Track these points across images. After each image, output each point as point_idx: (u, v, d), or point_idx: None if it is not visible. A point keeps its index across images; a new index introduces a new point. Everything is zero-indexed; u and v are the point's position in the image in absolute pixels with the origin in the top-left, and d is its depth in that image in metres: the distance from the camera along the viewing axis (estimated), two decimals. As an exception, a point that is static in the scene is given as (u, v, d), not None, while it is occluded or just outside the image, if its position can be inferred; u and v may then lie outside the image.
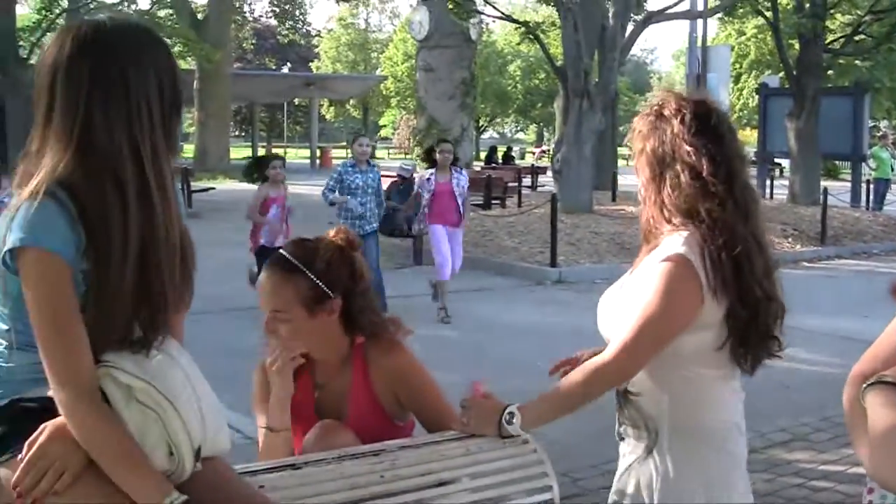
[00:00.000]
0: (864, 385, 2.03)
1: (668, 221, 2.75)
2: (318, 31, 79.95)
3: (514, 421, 2.80)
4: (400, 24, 69.11)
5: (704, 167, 2.67)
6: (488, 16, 24.64)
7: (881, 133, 29.69)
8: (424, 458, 2.78)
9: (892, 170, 25.85)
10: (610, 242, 17.12)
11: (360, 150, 12.01)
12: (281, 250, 3.23)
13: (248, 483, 2.48)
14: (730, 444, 2.85)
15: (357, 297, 3.19)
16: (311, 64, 73.66)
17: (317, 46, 76.55)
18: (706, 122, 2.74)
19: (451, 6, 22.91)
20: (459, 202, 11.91)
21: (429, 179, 11.93)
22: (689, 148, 2.70)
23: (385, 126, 75.11)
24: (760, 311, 2.71)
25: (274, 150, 70.50)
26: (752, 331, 2.72)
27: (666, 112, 2.79)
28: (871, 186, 25.94)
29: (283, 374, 3.09)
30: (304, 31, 77.98)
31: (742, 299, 2.68)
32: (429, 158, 12.26)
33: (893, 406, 1.92)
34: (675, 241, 2.69)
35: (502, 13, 25.30)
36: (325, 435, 3.02)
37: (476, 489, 2.74)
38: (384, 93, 66.41)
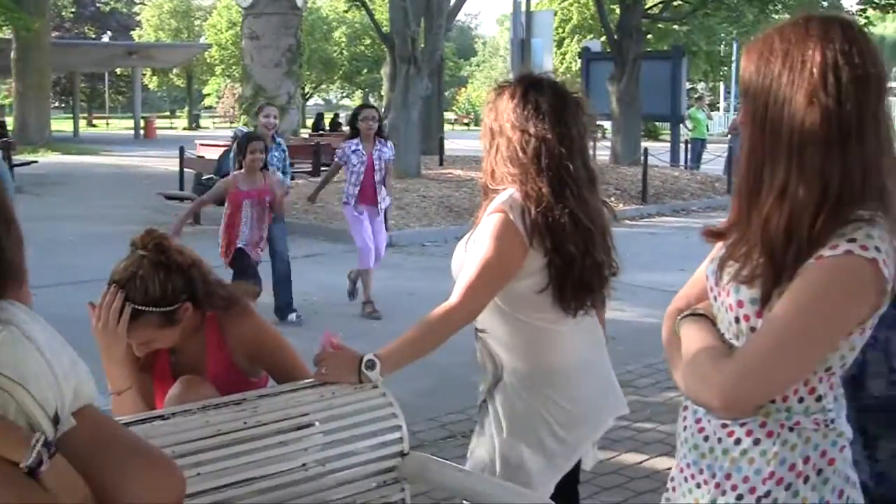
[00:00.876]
0: (679, 317, 2.25)
1: (498, 183, 3.09)
2: (140, -2, 78.25)
3: (375, 367, 2.97)
4: (220, -10, 67.97)
5: (518, 142, 3.04)
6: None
7: (698, 95, 30.74)
8: (282, 405, 2.93)
9: (708, 130, 26.85)
10: (439, 206, 17.38)
11: (267, 121, 10.52)
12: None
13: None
14: (568, 386, 3.17)
15: (199, 287, 3.26)
16: (132, 32, 71.87)
17: (138, 14, 74.69)
18: (531, 101, 3.07)
19: (275, -28, 22.75)
20: (379, 178, 10.15)
21: (356, 151, 10.01)
22: (507, 124, 3.06)
23: (209, 95, 73.92)
24: (575, 265, 3.02)
25: (95, 122, 69.07)
26: (569, 280, 3.03)
27: (503, 89, 3.15)
28: (689, 146, 26.90)
29: (112, 335, 3.13)
30: (126, -1, 76.14)
31: (558, 252, 3.00)
32: (352, 127, 10.35)
33: (702, 331, 2.15)
34: (499, 198, 3.04)
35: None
36: (188, 388, 3.14)
37: (330, 431, 2.94)
38: (208, 61, 65.38)
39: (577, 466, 3.38)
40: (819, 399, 2.08)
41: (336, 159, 10.63)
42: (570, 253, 3.01)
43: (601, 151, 27.96)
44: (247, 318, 3.33)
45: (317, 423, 2.94)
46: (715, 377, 2.01)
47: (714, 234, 2.23)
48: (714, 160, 25.10)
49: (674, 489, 2.27)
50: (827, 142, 1.95)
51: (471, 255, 3.06)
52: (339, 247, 14.63)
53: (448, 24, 21.81)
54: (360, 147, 9.99)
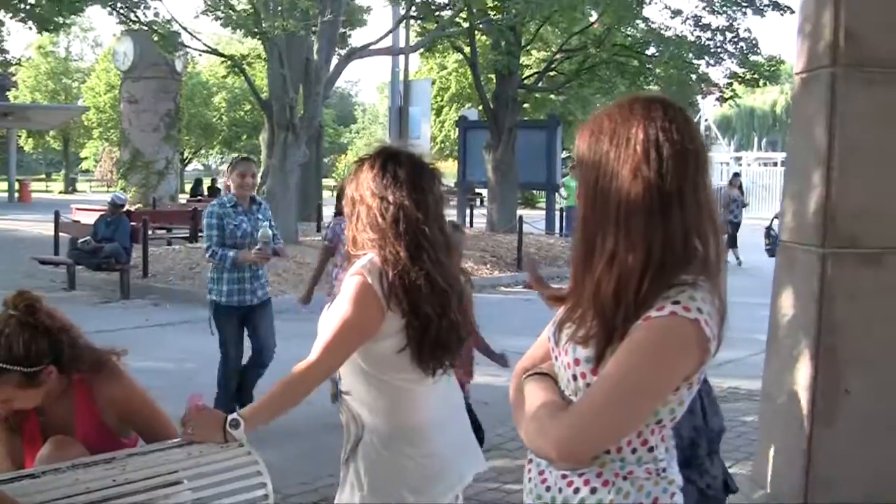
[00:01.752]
0: (525, 375, 2.47)
1: (359, 249, 3.28)
2: (17, 58, 76.73)
3: (239, 426, 3.12)
4: (102, 53, 67.18)
5: (378, 208, 3.24)
6: (194, 49, 24.59)
7: (573, 164, 31.39)
8: (151, 463, 3.06)
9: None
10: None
11: (244, 181, 8.09)
12: None
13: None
14: (426, 444, 3.33)
15: (66, 351, 3.37)
16: (8, 93, 70.52)
17: (14, 75, 73.39)
18: (389, 170, 3.28)
19: (156, 39, 22.70)
20: None
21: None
22: (367, 192, 3.27)
23: (87, 158, 72.67)
24: (432, 326, 3.22)
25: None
26: (426, 341, 3.22)
27: (363, 161, 3.36)
28: (564, 214, 27.41)
29: None
30: (1, 58, 74.60)
31: (415, 313, 3.19)
32: (339, 203, 7.81)
33: (542, 388, 2.35)
34: (359, 262, 3.24)
35: (208, 47, 25.20)
36: (58, 448, 3.25)
37: (198, 488, 3.06)
38: (86, 124, 64.40)
39: None
40: (651, 450, 2.28)
41: (326, 242, 8.91)
42: (426, 314, 3.20)
43: (478, 219, 28.42)
44: (116, 380, 3.45)
45: (185, 481, 3.06)
46: (552, 430, 2.20)
47: (556, 299, 2.45)
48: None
49: None
50: (650, 211, 2.15)
51: (331, 315, 3.26)
52: (216, 312, 14.61)
53: (326, 91, 22.03)
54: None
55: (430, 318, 3.22)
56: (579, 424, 2.17)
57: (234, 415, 3.15)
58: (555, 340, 2.38)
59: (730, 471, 5.87)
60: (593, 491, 2.26)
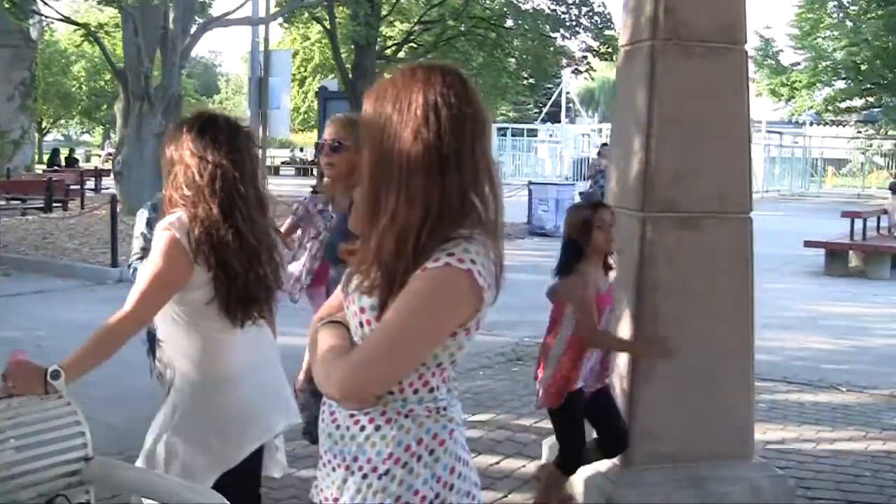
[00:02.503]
0: (320, 323, 2.61)
1: (173, 207, 3.46)
2: None
3: (60, 377, 3.22)
4: (-48, 19, 64.90)
5: (196, 167, 3.42)
6: (47, 17, 23.97)
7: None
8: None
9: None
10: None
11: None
12: None
13: None
14: (234, 391, 3.54)
15: None
16: None
17: None
18: (208, 133, 3.46)
19: (7, 5, 22.11)
20: None
21: (322, 212, 5.70)
22: (187, 153, 3.44)
23: (-63, 127, 70.28)
24: (239, 279, 3.42)
25: None
26: (233, 293, 3.43)
27: (183, 124, 3.55)
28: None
29: None
30: None
31: (222, 267, 3.39)
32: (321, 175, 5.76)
33: (332, 335, 2.49)
34: (167, 218, 3.43)
35: (62, 15, 24.64)
36: None
37: (19, 437, 3.15)
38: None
39: (258, 473, 3.76)
40: (432, 390, 2.44)
41: (293, 218, 6.01)
42: (233, 268, 3.40)
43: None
44: None
45: (7, 432, 3.14)
46: (335, 372, 2.35)
47: (348, 253, 2.61)
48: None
49: (318, 475, 2.57)
50: (428, 170, 2.31)
51: (143, 269, 3.49)
52: (70, 282, 14.47)
53: (183, 61, 21.79)
54: (329, 208, 5.65)
55: (238, 272, 3.41)
56: (360, 366, 2.31)
57: (55, 366, 3.24)
58: (345, 291, 2.52)
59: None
60: (377, 428, 2.41)
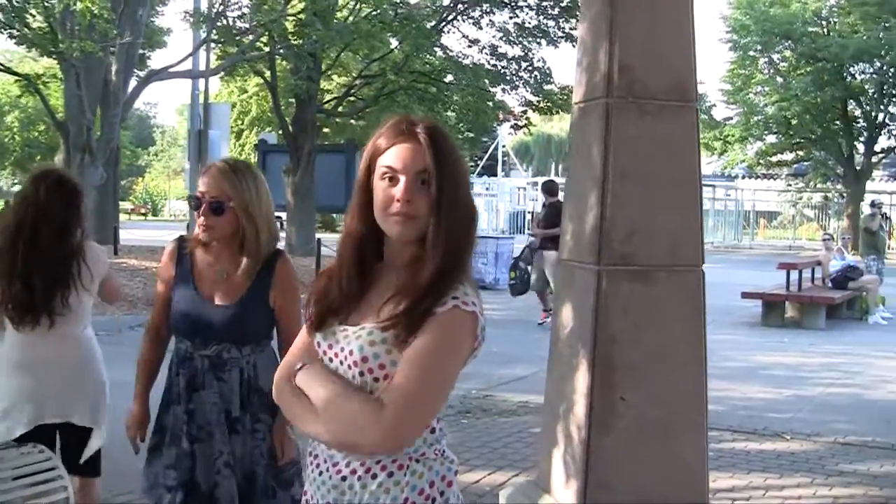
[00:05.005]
0: (297, 368, 2.59)
1: None
2: None
3: None
4: None
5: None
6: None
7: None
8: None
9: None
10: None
11: None
12: None
13: None
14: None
15: None
16: None
17: None
18: (59, 190, 4.67)
19: (-59, 56, 21.93)
20: None
21: None
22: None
23: None
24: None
25: None
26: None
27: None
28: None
29: None
30: None
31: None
32: None
33: (330, 380, 2.50)
34: None
35: (2, 66, 24.44)
36: None
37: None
38: None
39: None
40: (433, 431, 2.53)
41: None
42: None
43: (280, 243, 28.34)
44: None
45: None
46: (373, 423, 2.35)
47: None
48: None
49: None
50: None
51: None
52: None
53: (124, 113, 21.72)
54: None
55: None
56: (406, 413, 2.35)
57: None
58: (327, 341, 2.57)
59: (519, 479, 6.25)
60: (390, 475, 2.47)
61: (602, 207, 5.31)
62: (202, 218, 3.98)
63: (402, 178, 2.46)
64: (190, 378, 4.01)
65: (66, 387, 4.41)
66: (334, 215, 41.89)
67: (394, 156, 2.49)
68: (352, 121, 34.30)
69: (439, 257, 2.42)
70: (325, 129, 31.70)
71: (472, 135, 35.07)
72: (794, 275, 18.50)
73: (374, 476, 2.47)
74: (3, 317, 4.56)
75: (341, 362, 2.52)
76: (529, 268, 17.28)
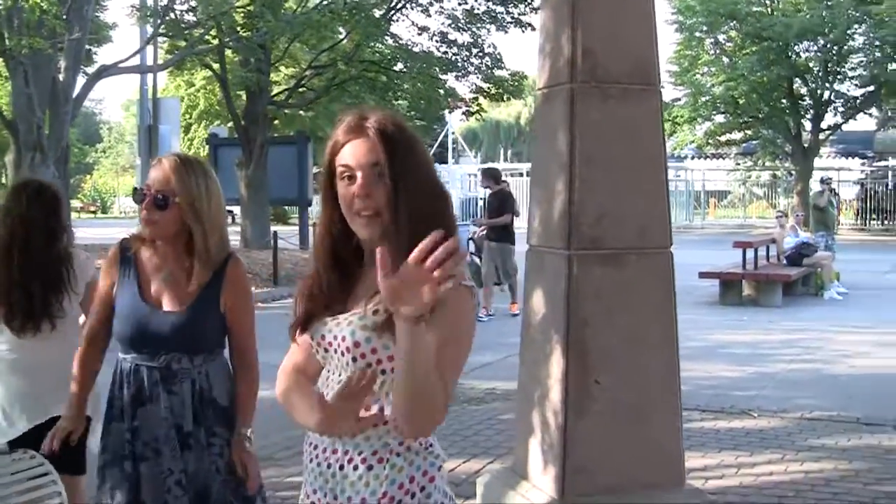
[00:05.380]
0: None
1: None
2: None
3: None
4: None
5: None
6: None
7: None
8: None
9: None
10: (70, 295, 16.92)
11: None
12: None
13: None
14: None
15: None
16: None
17: None
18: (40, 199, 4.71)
19: None
20: None
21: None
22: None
23: None
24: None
25: None
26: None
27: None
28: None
29: None
30: None
31: None
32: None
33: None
34: None
35: (-56, 65, 24.08)
36: None
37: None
38: None
39: None
40: None
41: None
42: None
43: (233, 236, 28.19)
44: None
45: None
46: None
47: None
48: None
49: None
50: None
51: None
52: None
53: (75, 110, 21.47)
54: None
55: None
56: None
57: None
58: (319, 333, 2.58)
59: (493, 465, 6.25)
60: (370, 468, 2.48)
61: (570, 192, 5.32)
62: (145, 212, 3.75)
63: (359, 174, 2.46)
64: (136, 392, 3.76)
65: (62, 384, 4.25)
66: (286, 208, 41.82)
67: (348, 153, 2.49)
68: (300, 112, 34.17)
69: (406, 241, 2.34)
70: (275, 121, 31.50)
71: (423, 123, 35.11)
72: (750, 253, 18.67)
73: (355, 467, 2.49)
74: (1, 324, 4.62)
75: (335, 350, 2.54)
76: (478, 260, 17.04)
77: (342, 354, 2.51)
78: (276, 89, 30.33)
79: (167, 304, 3.77)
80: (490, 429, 8.22)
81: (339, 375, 2.54)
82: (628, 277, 5.40)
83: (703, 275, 18.14)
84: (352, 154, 2.48)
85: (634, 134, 5.49)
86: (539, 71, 5.88)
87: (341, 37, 27.43)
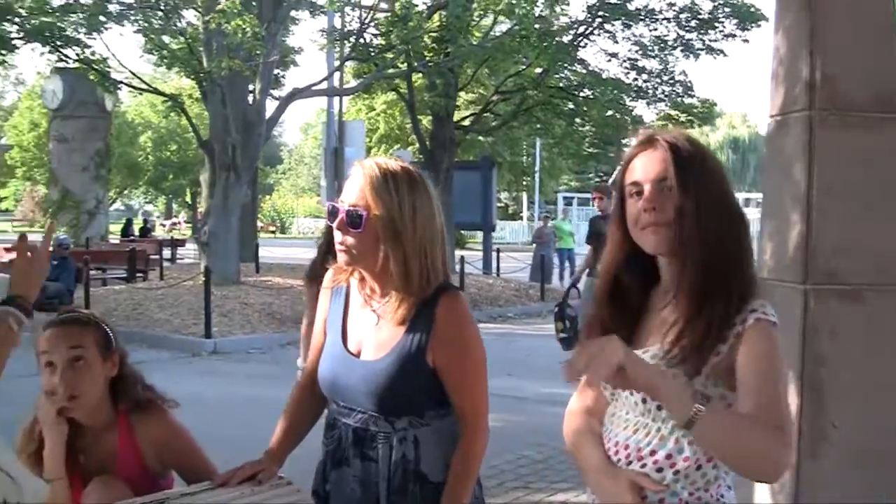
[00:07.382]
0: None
1: None
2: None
3: None
4: (26, 91, 66.19)
5: None
6: (135, 88, 24.28)
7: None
8: (201, 501, 3.04)
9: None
10: (261, 313, 17.38)
11: None
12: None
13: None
14: None
15: (128, 366, 3.55)
16: (-73, 132, 69.12)
17: (-66, 113, 72.09)
18: None
19: (93, 77, 22.44)
20: None
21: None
22: None
23: (6, 198, 71.07)
24: None
25: None
26: None
27: None
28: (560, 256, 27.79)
29: (54, 424, 3.30)
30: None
31: None
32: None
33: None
34: None
35: (148, 85, 24.98)
36: (106, 488, 3.23)
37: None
38: (9, 163, 63.26)
39: None
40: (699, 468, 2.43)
41: None
42: None
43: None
44: (162, 420, 3.49)
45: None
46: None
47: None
48: (525, 268, 25.93)
49: None
50: None
51: None
52: (163, 354, 14.58)
53: (268, 132, 22.02)
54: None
55: None
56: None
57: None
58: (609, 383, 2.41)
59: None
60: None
61: (806, 224, 5.11)
62: (338, 233, 3.00)
63: (646, 188, 2.40)
64: (333, 449, 3.10)
65: None
66: (463, 232, 42.00)
67: (638, 168, 2.45)
68: (479, 137, 34.36)
69: (698, 265, 2.33)
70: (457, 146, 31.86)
71: (598, 150, 35.13)
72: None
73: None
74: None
75: (632, 398, 2.47)
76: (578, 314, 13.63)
77: (630, 393, 2.43)
78: (458, 114, 30.56)
79: (365, 352, 3.06)
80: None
81: (627, 414, 2.45)
82: (867, 314, 5.15)
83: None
84: (641, 168, 2.43)
85: (874, 164, 5.24)
86: (771, 97, 5.67)
87: (528, 62, 27.47)
